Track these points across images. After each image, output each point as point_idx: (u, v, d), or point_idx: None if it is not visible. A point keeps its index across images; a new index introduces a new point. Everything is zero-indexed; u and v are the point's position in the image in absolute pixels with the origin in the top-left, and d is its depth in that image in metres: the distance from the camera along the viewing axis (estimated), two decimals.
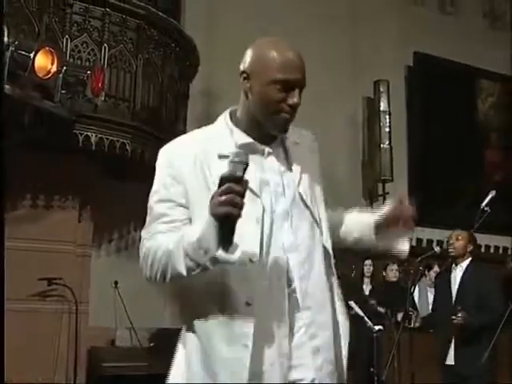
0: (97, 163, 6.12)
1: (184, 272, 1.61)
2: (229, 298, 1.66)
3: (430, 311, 6.19)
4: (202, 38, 7.13)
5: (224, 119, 1.81)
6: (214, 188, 1.60)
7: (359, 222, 1.95)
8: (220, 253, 1.57)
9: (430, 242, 8.74)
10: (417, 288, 7.05)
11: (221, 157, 1.70)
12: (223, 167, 1.59)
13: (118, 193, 6.34)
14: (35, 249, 5.84)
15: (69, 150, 5.62)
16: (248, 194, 1.57)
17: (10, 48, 4.57)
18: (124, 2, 5.81)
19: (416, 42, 9.56)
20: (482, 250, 9.40)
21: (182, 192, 1.71)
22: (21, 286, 5.25)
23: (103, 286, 6.37)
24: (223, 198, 1.52)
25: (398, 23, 9.52)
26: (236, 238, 1.56)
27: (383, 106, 9.21)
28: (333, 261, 1.83)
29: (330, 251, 1.80)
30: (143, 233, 1.76)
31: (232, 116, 1.81)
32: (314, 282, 1.74)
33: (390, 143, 9.11)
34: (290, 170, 1.79)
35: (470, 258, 4.97)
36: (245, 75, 1.75)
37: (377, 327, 5.47)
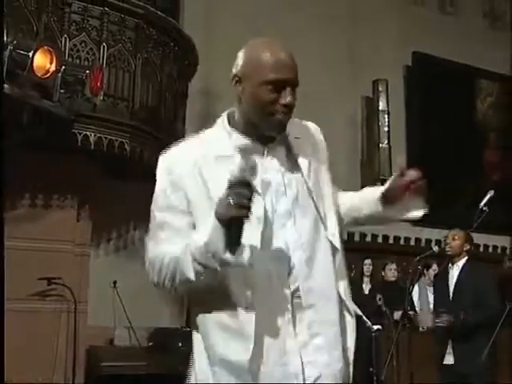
0: (96, 163, 6.12)
1: (192, 277, 1.63)
2: (230, 299, 1.67)
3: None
4: (201, 37, 7.13)
5: (222, 122, 1.81)
6: (213, 191, 1.63)
7: (365, 199, 1.93)
8: (228, 255, 1.58)
9: (428, 241, 8.76)
10: (417, 288, 7.06)
11: (218, 158, 1.71)
12: (221, 170, 1.62)
13: (116, 192, 6.34)
14: (34, 248, 5.85)
15: (67, 149, 5.62)
16: None
17: (9, 47, 4.57)
18: (123, 2, 5.81)
19: (416, 42, 9.55)
20: (481, 249, 9.43)
21: (183, 198, 1.72)
22: (20, 285, 5.25)
23: (102, 285, 6.36)
24: (230, 200, 1.54)
25: (397, 23, 9.52)
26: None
27: (382, 105, 9.21)
28: (341, 255, 1.81)
29: (337, 245, 1.79)
30: (148, 240, 1.76)
31: (230, 118, 1.81)
32: (318, 280, 1.73)
33: (388, 143, 9.11)
34: (293, 167, 1.78)
35: (466, 257, 5.02)
36: (236, 78, 1.75)
37: (375, 327, 5.46)
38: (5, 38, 4.51)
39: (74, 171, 6.00)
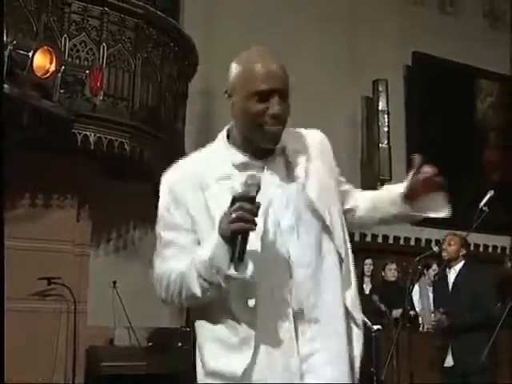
0: (95, 162, 6.12)
1: (199, 293, 1.64)
2: (230, 313, 1.67)
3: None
4: (201, 38, 7.13)
5: (222, 138, 1.81)
6: (213, 210, 1.64)
7: (389, 199, 1.91)
8: (232, 271, 1.58)
9: (428, 241, 8.76)
10: (417, 287, 7.06)
11: (217, 176, 1.71)
12: (220, 188, 1.63)
13: (116, 192, 6.34)
14: (34, 248, 5.84)
15: (67, 149, 5.62)
16: None
17: (9, 47, 4.57)
18: (122, 2, 5.81)
19: (416, 42, 9.55)
20: (481, 249, 9.43)
21: (186, 214, 1.72)
22: (20, 285, 5.25)
23: (102, 285, 6.36)
24: (234, 215, 1.55)
25: (397, 23, 9.52)
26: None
27: (382, 105, 9.21)
28: (350, 263, 1.79)
29: (344, 256, 1.76)
30: (155, 258, 1.78)
31: (230, 133, 1.81)
32: (323, 295, 1.70)
33: (388, 143, 9.12)
34: (293, 180, 1.75)
35: (463, 261, 5.05)
36: (227, 94, 1.76)
37: (375, 327, 5.46)
38: (5, 38, 4.50)
39: (74, 171, 6.00)
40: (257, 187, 1.57)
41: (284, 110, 1.70)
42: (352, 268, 1.80)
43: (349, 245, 1.81)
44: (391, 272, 7.15)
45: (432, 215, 1.88)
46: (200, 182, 1.72)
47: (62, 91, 5.11)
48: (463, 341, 4.77)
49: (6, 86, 4.46)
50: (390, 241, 9.14)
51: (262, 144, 1.74)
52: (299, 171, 1.76)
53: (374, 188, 2.10)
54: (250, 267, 1.60)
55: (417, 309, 7.10)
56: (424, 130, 9.61)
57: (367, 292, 7.07)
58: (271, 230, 1.69)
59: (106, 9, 5.71)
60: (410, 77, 9.83)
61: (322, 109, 8.15)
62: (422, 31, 9.55)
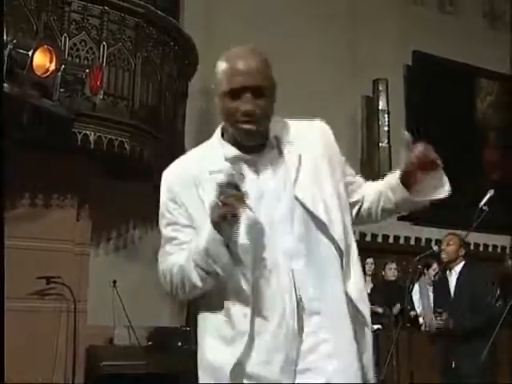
0: (95, 162, 6.11)
1: (198, 282, 1.68)
2: (227, 305, 1.69)
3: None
4: (201, 37, 7.12)
5: (217, 135, 1.84)
6: (208, 202, 1.66)
7: (392, 187, 1.88)
8: (228, 260, 1.63)
9: (428, 241, 8.76)
10: (417, 287, 7.06)
11: (212, 172, 1.74)
12: (214, 182, 1.64)
13: (116, 191, 6.34)
14: (34, 247, 5.84)
15: (67, 148, 5.62)
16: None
17: (9, 46, 4.57)
18: (123, 1, 5.81)
19: (416, 42, 9.56)
20: (481, 248, 9.44)
21: (184, 212, 1.77)
22: (20, 284, 5.24)
23: (101, 284, 6.36)
24: (218, 202, 1.59)
25: (397, 23, 9.52)
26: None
27: (382, 104, 9.22)
28: (354, 258, 1.77)
29: (343, 248, 1.74)
30: (159, 256, 1.83)
31: (224, 130, 1.83)
32: (322, 286, 1.70)
33: (388, 142, 9.11)
34: (287, 173, 1.76)
35: (463, 262, 5.04)
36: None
37: (375, 326, 5.47)
38: (4, 37, 4.50)
39: (74, 171, 6.00)
40: (239, 174, 1.60)
41: (258, 107, 1.71)
42: (355, 261, 1.79)
43: (352, 238, 1.80)
44: (391, 271, 7.15)
45: (433, 198, 1.83)
46: (194, 178, 1.76)
47: (61, 90, 5.11)
48: (463, 342, 4.76)
49: (5, 85, 4.45)
50: (390, 240, 9.13)
51: (240, 140, 1.76)
52: (293, 163, 1.77)
53: None
54: (245, 260, 1.65)
55: (417, 309, 7.10)
56: (424, 129, 9.59)
57: (368, 291, 7.07)
58: (264, 221, 1.70)
59: (106, 8, 5.71)
60: (410, 76, 9.83)
61: (322, 109, 8.09)
62: (422, 31, 9.54)
